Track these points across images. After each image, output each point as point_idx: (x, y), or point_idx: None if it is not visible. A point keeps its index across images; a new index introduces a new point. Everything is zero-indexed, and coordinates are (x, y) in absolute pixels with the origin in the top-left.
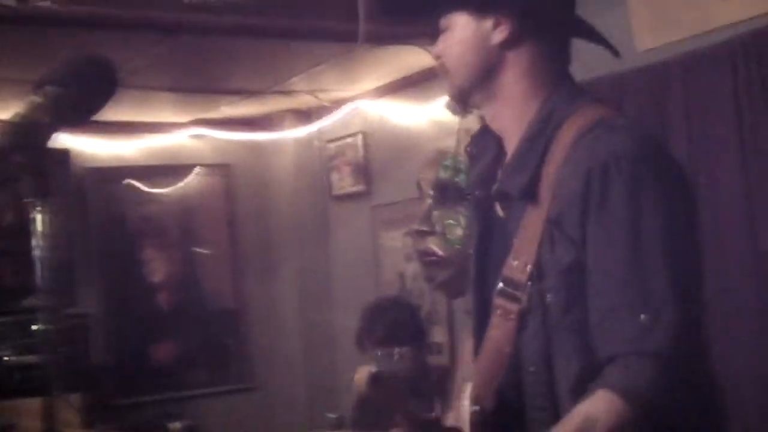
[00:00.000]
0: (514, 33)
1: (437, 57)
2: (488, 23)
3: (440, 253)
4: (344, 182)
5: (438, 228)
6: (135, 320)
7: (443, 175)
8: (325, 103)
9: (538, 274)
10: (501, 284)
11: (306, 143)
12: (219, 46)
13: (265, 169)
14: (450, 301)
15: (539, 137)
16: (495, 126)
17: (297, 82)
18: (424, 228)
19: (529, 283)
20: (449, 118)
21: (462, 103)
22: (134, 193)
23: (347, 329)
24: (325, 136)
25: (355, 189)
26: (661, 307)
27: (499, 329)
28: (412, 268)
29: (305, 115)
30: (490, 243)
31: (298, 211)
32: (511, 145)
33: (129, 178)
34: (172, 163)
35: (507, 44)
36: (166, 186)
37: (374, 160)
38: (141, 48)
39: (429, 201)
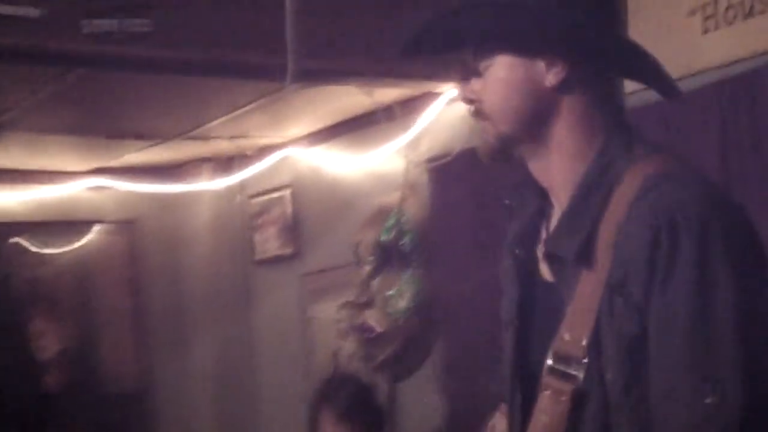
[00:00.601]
0: (570, 75)
1: (470, 100)
2: (540, 63)
3: (379, 328)
4: (269, 244)
5: (378, 299)
6: (16, 407)
7: (385, 237)
8: (248, 152)
9: (595, 348)
10: (551, 361)
11: (225, 197)
12: (124, 84)
13: (177, 226)
14: (392, 386)
15: (595, 192)
16: (542, 179)
17: (216, 127)
18: (362, 299)
19: (586, 359)
20: (392, 170)
21: (504, 153)
22: (22, 254)
23: (272, 417)
24: (247, 189)
25: (281, 252)
26: (728, 388)
27: (549, 412)
28: (348, 345)
29: (225, 165)
30: (532, 312)
31: (214, 276)
32: (560, 199)
33: (16, 236)
34: (67, 219)
35: (562, 87)
36: (61, 246)
37: (305, 219)
38: (32, 84)
39: (368, 267)
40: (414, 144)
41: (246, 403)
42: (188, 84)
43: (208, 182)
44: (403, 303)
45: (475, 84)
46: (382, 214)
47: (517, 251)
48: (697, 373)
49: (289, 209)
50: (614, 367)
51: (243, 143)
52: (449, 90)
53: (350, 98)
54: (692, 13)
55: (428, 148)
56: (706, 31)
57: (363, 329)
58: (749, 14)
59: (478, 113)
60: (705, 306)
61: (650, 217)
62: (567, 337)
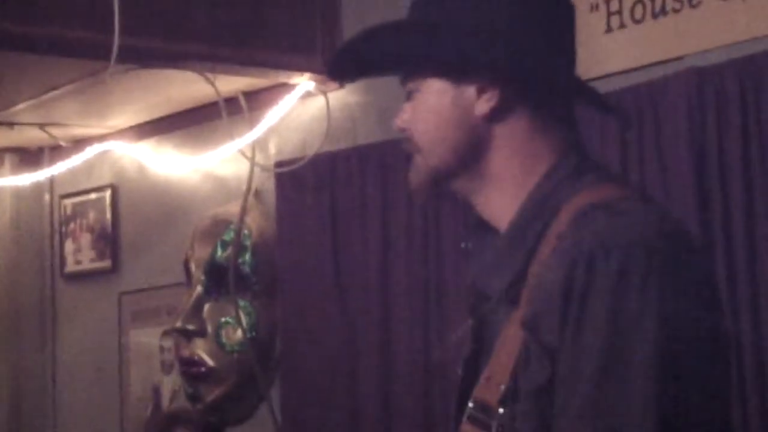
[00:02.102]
0: (503, 101)
1: (401, 129)
2: (470, 89)
3: (211, 362)
4: (82, 255)
5: (210, 328)
6: None
7: (221, 254)
8: (62, 143)
9: (512, 395)
10: (471, 406)
11: (31, 196)
12: None
13: None
14: None
15: (530, 226)
16: (485, 215)
17: (22, 111)
18: (190, 326)
19: (501, 407)
20: (233, 173)
21: (436, 189)
22: None
23: None
24: (59, 188)
25: (97, 265)
26: None
27: None
28: (172, 380)
29: (32, 158)
30: (479, 357)
31: (12, 292)
32: None
33: None
34: None
35: (495, 115)
36: None
37: (126, 227)
38: None
39: (199, 289)
40: (261, 144)
41: None
42: None
43: (11, 177)
44: (239, 334)
45: (406, 109)
46: (218, 226)
47: (472, 298)
48: (601, 424)
49: (107, 214)
50: (523, 416)
51: (56, 132)
52: (304, 82)
53: (187, 86)
54: (595, 7)
55: (277, 149)
56: (609, 30)
57: (191, 362)
58: (661, 12)
59: (408, 144)
60: (614, 357)
61: (569, 251)
62: (488, 382)
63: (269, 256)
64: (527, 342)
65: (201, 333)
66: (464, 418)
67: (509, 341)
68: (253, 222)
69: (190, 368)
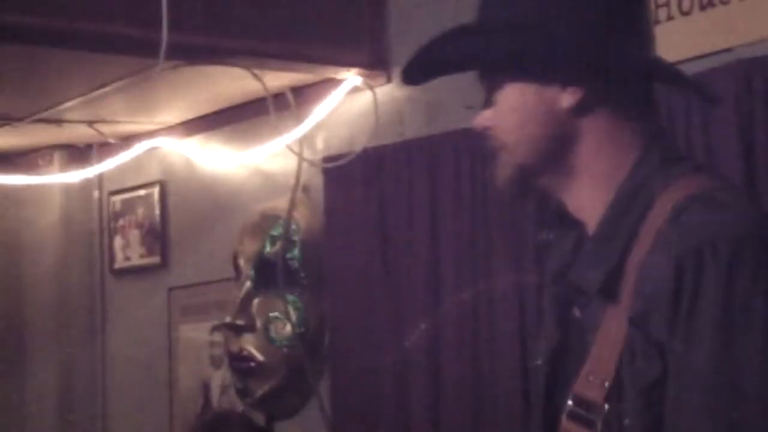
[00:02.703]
0: (588, 93)
1: (484, 128)
2: (554, 84)
3: (260, 357)
4: (131, 251)
5: (259, 323)
6: None
7: (269, 249)
8: (110, 140)
9: (617, 391)
10: (571, 403)
11: (80, 193)
12: None
13: (19, 225)
14: (270, 426)
15: (624, 218)
16: (573, 209)
17: (71, 109)
18: (240, 322)
19: (606, 404)
20: (281, 169)
21: (524, 186)
22: None
23: None
24: (107, 184)
25: (146, 261)
26: None
27: None
28: (221, 376)
29: (81, 154)
30: (566, 351)
31: (63, 288)
32: (592, 229)
33: None
34: None
35: (581, 108)
36: None
37: (175, 223)
38: None
39: (248, 284)
40: (308, 139)
41: None
42: (41, 57)
43: (60, 174)
44: (288, 329)
45: (487, 111)
46: (266, 221)
47: (553, 288)
48: (721, 420)
49: (156, 210)
50: (633, 412)
51: (104, 129)
52: (351, 77)
53: (234, 82)
54: None
55: (325, 145)
56: (657, 22)
57: (240, 357)
58: (709, 4)
59: (494, 143)
60: (728, 350)
61: (675, 246)
62: (589, 378)
63: (317, 251)
64: (634, 337)
65: (250, 328)
66: (564, 416)
67: (611, 336)
68: (301, 217)
69: (239, 363)
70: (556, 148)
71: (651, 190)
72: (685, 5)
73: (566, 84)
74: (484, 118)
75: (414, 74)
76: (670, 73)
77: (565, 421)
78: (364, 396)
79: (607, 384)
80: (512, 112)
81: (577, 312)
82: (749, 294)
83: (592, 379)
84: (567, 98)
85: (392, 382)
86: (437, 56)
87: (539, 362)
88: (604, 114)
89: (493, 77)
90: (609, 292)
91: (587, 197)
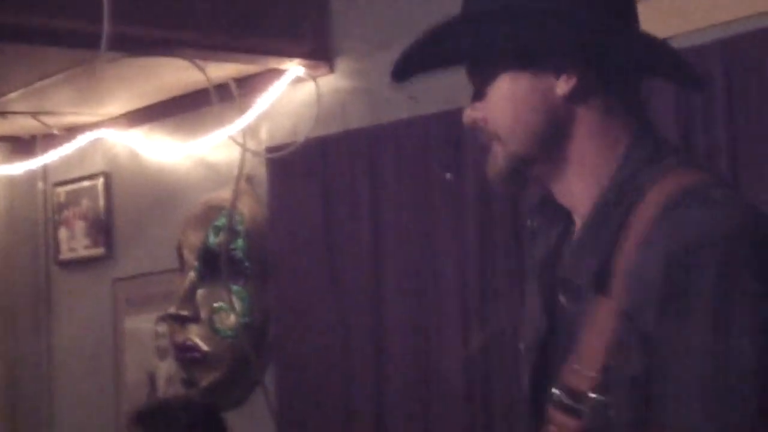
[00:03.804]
0: (582, 80)
1: (475, 121)
2: (548, 72)
3: (205, 348)
4: (76, 242)
5: (203, 313)
6: None
7: (214, 240)
8: (54, 131)
9: (605, 382)
10: (558, 392)
11: (24, 184)
12: None
13: None
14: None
15: (614, 210)
16: (564, 200)
17: (14, 100)
18: (184, 312)
19: (593, 394)
20: (225, 159)
21: (518, 176)
22: None
23: None
24: (52, 176)
25: (91, 253)
26: None
27: None
28: (167, 366)
29: (25, 146)
30: (552, 341)
31: (7, 279)
32: (583, 219)
33: None
34: None
35: (575, 95)
36: None
37: (120, 214)
38: None
39: (192, 275)
40: (252, 130)
41: None
42: None
43: (4, 165)
44: (232, 319)
45: (477, 104)
46: (210, 212)
47: (538, 277)
48: (714, 422)
49: (101, 202)
50: (619, 404)
51: (48, 120)
52: (294, 67)
53: (177, 73)
54: None
55: (268, 135)
56: None
57: (185, 348)
58: None
59: (485, 135)
60: (722, 344)
61: (667, 241)
62: (576, 368)
63: (262, 242)
64: (623, 330)
65: (195, 318)
66: (550, 405)
67: (599, 327)
68: (245, 207)
69: (184, 354)
70: (551, 137)
71: (641, 181)
72: None
73: (560, 71)
74: (475, 111)
75: (404, 72)
76: (659, 48)
77: (551, 411)
78: (309, 385)
79: (594, 375)
80: (506, 102)
81: (564, 301)
82: (740, 293)
83: (579, 369)
84: (561, 86)
85: (337, 372)
86: (427, 52)
87: (522, 346)
88: (598, 102)
89: (484, 69)
90: (599, 283)
91: (577, 186)
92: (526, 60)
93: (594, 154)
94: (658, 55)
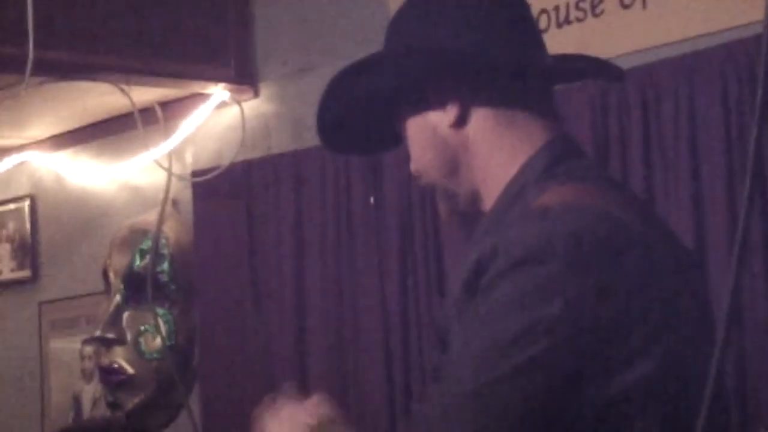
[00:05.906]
0: (463, 106)
1: (415, 174)
2: (432, 109)
3: (130, 370)
4: (2, 265)
5: (129, 336)
6: None
7: (139, 263)
8: None
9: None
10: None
11: None
12: None
13: None
14: None
15: (503, 220)
16: (485, 207)
17: None
18: (109, 335)
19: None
20: (150, 183)
21: (457, 209)
22: None
23: None
24: None
25: (16, 275)
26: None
27: None
28: (92, 389)
29: None
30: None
31: None
32: None
33: None
34: None
35: (460, 122)
36: None
37: (45, 237)
38: None
39: (118, 298)
40: (177, 154)
41: None
42: None
43: None
44: (158, 342)
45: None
46: (136, 235)
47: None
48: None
49: (26, 224)
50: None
51: None
52: (219, 92)
53: (102, 97)
54: None
55: (194, 159)
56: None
57: (110, 370)
58: None
59: (429, 187)
60: (468, 340)
61: (485, 247)
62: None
63: (187, 265)
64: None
65: (120, 341)
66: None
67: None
68: (171, 231)
69: (109, 376)
70: (451, 164)
71: (526, 198)
72: None
73: (443, 104)
74: (411, 165)
75: (334, 141)
76: (567, 66)
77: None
78: (234, 408)
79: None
80: (413, 147)
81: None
82: (505, 307)
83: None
84: (447, 117)
85: (262, 394)
86: (340, 114)
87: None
88: (487, 121)
89: (395, 121)
90: (470, 290)
91: (487, 196)
92: (411, 103)
93: (494, 170)
94: (559, 60)
